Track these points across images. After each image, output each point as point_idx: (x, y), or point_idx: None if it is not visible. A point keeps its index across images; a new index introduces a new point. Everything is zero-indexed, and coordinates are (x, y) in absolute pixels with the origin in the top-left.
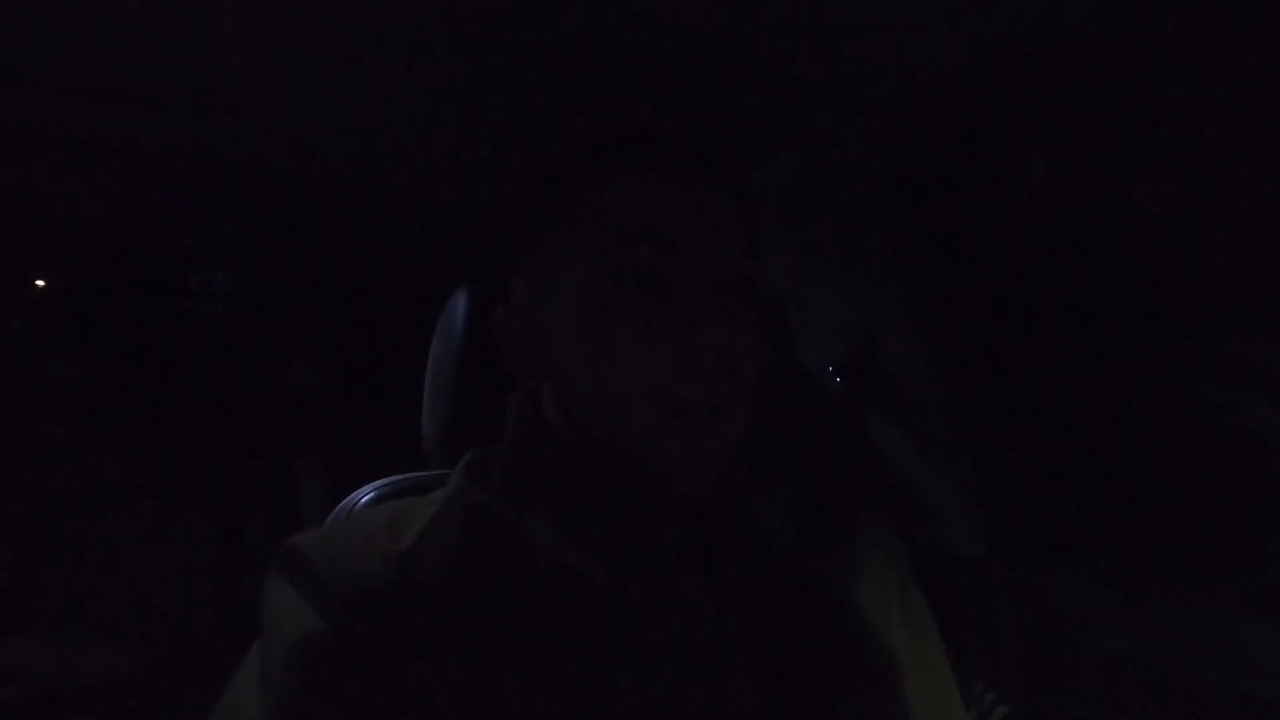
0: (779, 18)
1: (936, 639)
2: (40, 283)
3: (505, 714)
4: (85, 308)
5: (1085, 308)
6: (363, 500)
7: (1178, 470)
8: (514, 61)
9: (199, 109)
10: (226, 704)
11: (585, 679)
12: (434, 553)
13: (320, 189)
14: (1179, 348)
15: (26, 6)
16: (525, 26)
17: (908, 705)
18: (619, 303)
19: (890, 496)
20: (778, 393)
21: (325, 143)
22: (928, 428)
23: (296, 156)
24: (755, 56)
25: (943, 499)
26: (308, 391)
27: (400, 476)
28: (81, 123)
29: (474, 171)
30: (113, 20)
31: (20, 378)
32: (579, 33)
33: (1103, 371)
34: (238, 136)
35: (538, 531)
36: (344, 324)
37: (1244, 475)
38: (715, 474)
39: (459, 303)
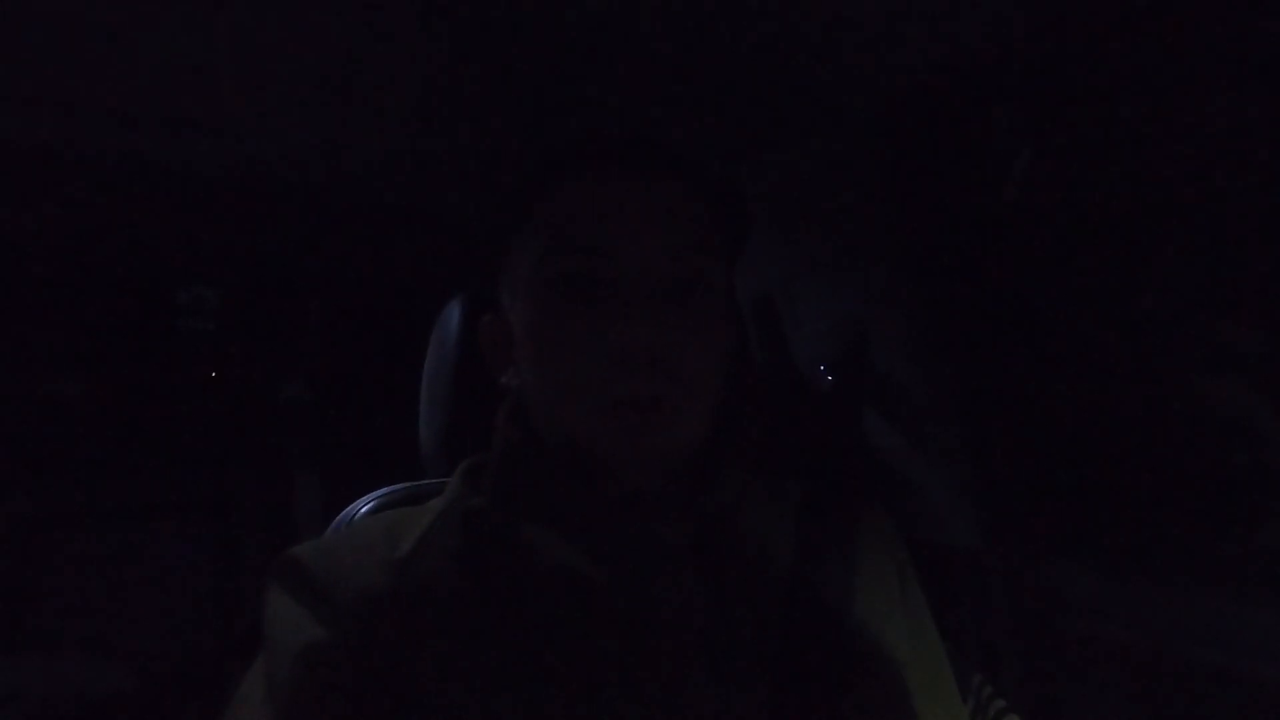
0: (765, 17)
1: (934, 632)
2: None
3: (507, 717)
4: (77, 324)
5: (1076, 299)
6: (362, 510)
7: (1171, 458)
8: (500, 68)
9: (184, 124)
10: (232, 716)
11: (587, 681)
12: (432, 560)
13: (308, 201)
14: (1171, 336)
15: (17, 26)
16: (512, 32)
17: (911, 697)
18: (554, 305)
19: (886, 490)
20: (772, 390)
21: (313, 155)
22: (921, 420)
23: (284, 169)
24: (742, 56)
25: (937, 491)
26: (301, 405)
27: (400, 486)
28: (70, 140)
29: (463, 181)
30: (101, 38)
31: (13, 396)
32: (566, 39)
33: (1095, 361)
34: (224, 151)
35: (532, 535)
36: (335, 336)
37: (1236, 463)
38: (660, 466)
39: (453, 311)
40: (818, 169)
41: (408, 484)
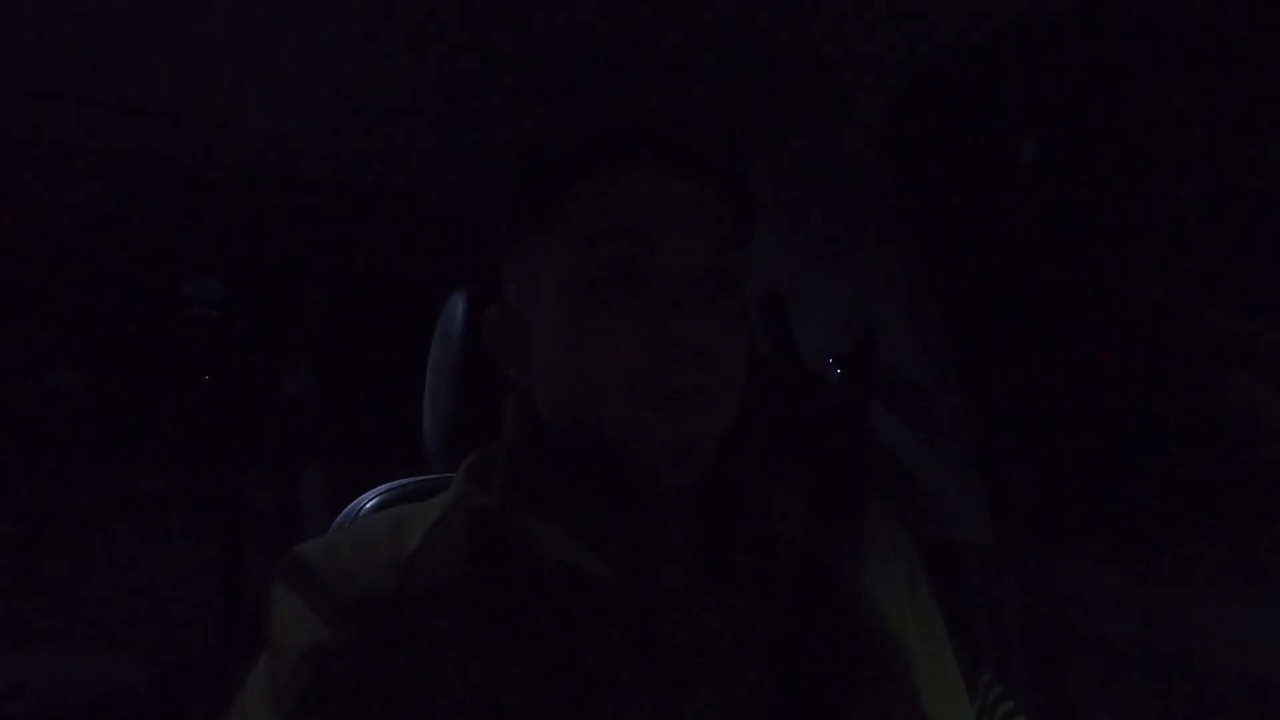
0: (771, 5)
1: (943, 633)
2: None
3: (514, 716)
4: (81, 318)
5: (1088, 291)
6: (366, 506)
7: (1187, 455)
8: (507, 58)
9: (189, 115)
10: (237, 715)
11: (594, 677)
12: (438, 557)
13: (314, 192)
14: (1187, 330)
15: (16, 17)
16: (518, 23)
17: (920, 696)
18: (596, 297)
19: (895, 486)
20: (779, 383)
21: (318, 145)
22: (930, 415)
23: (289, 160)
24: (749, 47)
25: (946, 487)
26: (306, 397)
27: (403, 481)
28: (72, 132)
29: (469, 172)
30: (101, 28)
31: (20, 389)
32: (571, 29)
33: (1108, 355)
34: (229, 142)
35: (540, 532)
36: (341, 328)
37: (1253, 460)
38: (700, 462)
39: (458, 304)
40: (824, 160)
41: (412, 479)
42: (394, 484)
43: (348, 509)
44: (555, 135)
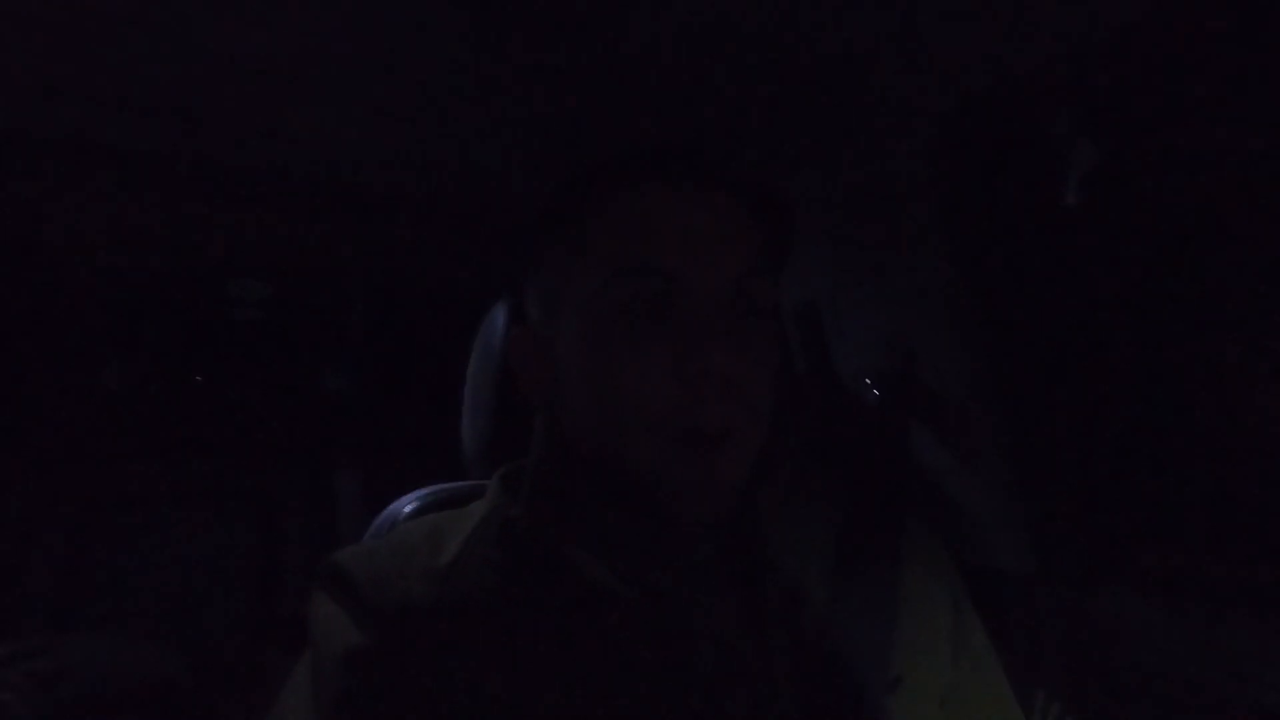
0: (817, 28)
1: (993, 660)
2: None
3: None
4: (132, 318)
5: (1135, 320)
6: (405, 511)
7: (1228, 487)
8: (550, 67)
9: (234, 124)
10: (278, 714)
11: (622, 695)
12: (473, 568)
13: (358, 198)
14: (1242, 357)
15: (73, 28)
16: (564, 34)
17: None
18: (621, 330)
19: (934, 512)
20: (815, 405)
21: (364, 154)
22: (970, 440)
23: (337, 166)
24: (793, 66)
25: (988, 515)
26: (344, 398)
27: (440, 487)
28: (121, 138)
29: (517, 183)
30: (150, 38)
31: (70, 384)
32: (617, 43)
33: (1151, 384)
34: (278, 149)
35: (568, 550)
36: (380, 330)
37: None
38: (728, 497)
39: (499, 315)
40: (868, 175)
41: (449, 484)
42: (431, 489)
43: (386, 512)
44: (598, 147)
